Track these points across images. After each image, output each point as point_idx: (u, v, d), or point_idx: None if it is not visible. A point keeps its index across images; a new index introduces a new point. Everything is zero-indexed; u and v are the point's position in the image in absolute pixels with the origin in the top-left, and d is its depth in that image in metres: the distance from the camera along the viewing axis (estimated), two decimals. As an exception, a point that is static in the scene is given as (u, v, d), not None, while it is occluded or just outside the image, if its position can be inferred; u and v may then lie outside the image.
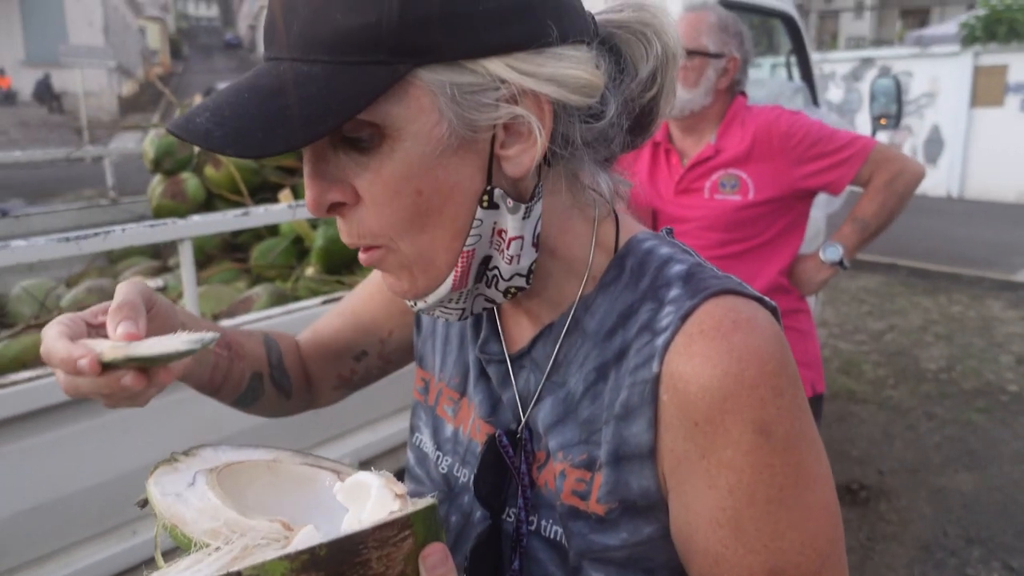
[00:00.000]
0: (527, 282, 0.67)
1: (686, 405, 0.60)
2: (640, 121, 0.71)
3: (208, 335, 0.60)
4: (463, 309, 0.68)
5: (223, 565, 0.50)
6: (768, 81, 3.64)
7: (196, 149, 2.90)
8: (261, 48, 0.56)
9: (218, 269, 2.51)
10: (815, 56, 3.79)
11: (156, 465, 0.64)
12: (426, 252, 0.62)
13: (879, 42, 29.17)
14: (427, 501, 0.53)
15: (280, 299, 1.98)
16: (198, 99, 2.99)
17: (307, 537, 0.52)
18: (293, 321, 1.77)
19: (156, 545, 0.58)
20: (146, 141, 2.83)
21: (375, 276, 0.93)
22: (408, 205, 0.59)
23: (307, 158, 0.61)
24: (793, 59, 3.49)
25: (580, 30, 0.63)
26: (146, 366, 0.59)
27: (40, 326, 1.74)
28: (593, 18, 0.66)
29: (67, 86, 22.19)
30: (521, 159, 0.61)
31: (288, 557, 0.46)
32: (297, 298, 2.11)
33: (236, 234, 2.83)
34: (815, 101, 3.37)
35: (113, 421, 1.47)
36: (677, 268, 0.67)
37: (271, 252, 2.52)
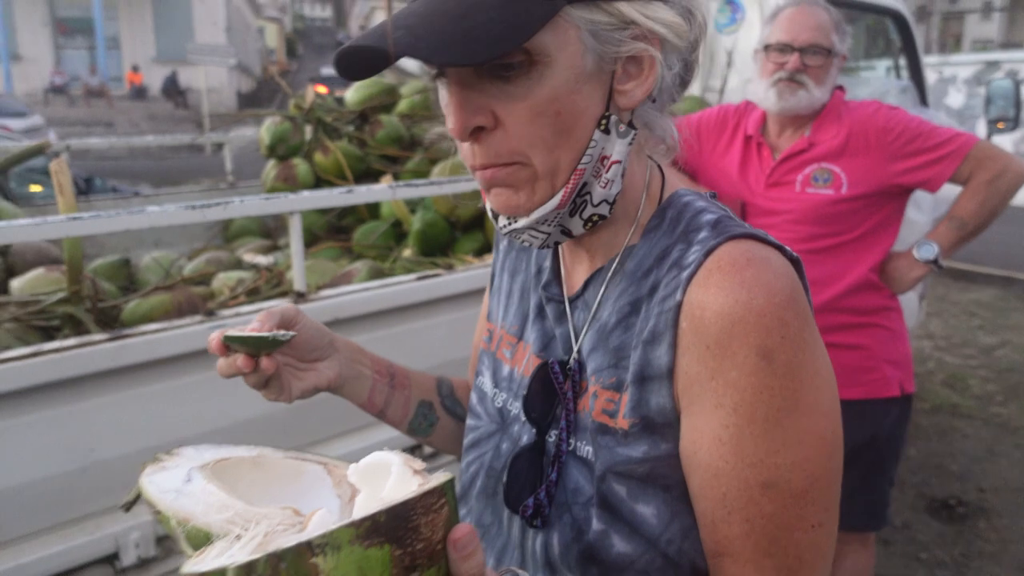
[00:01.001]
0: (609, 211, 0.77)
1: (700, 329, 0.68)
2: (683, 78, 0.81)
3: (283, 333, 0.78)
4: (548, 234, 0.77)
5: (258, 546, 0.52)
6: (873, 79, 3.54)
7: (307, 136, 3.08)
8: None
9: (323, 247, 2.67)
10: (934, 59, 3.66)
11: (143, 465, 0.68)
12: (553, 166, 0.72)
13: (1008, 45, 27.37)
14: (447, 474, 0.57)
15: (378, 274, 2.11)
16: (312, 90, 3.17)
17: (323, 519, 0.55)
18: (389, 294, 1.89)
19: (177, 538, 0.60)
20: (263, 128, 3.02)
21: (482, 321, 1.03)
22: (548, 124, 0.70)
23: (452, 88, 0.70)
24: (903, 59, 3.39)
25: None
26: (252, 353, 0.78)
27: (165, 288, 1.92)
28: None
29: (191, 82, 23.58)
30: (635, 92, 0.73)
31: (353, 524, 0.50)
32: (394, 275, 2.24)
33: (341, 217, 3.00)
34: (923, 101, 3.26)
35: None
36: (708, 216, 0.76)
37: (372, 234, 2.66)
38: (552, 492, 0.79)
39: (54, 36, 25.78)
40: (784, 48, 1.94)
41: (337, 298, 1.80)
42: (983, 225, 1.95)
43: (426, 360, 1.85)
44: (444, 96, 0.72)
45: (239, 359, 0.78)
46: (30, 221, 1.39)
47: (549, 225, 0.76)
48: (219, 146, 3.44)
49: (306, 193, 1.74)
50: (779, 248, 0.73)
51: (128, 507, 0.69)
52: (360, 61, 0.68)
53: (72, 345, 1.44)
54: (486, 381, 0.93)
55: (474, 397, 0.95)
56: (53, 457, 1.44)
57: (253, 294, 2.01)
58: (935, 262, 1.96)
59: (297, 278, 1.73)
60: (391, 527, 0.51)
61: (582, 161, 0.72)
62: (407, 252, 2.55)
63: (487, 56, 0.63)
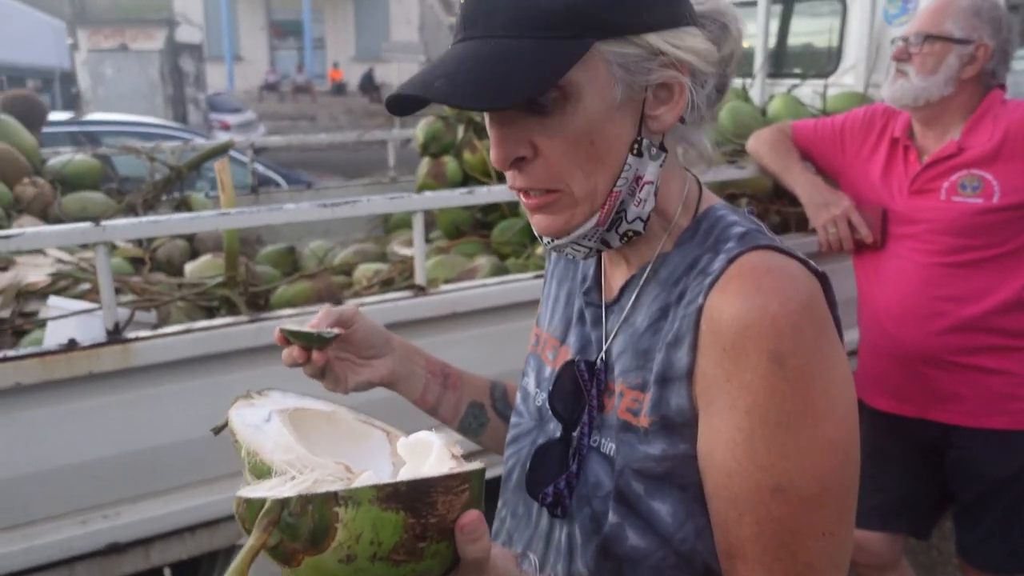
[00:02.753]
0: (643, 227, 0.81)
1: (718, 332, 0.71)
2: (719, 91, 0.84)
3: (329, 331, 0.89)
4: (589, 248, 0.82)
5: (305, 488, 0.59)
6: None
7: (459, 135, 3.23)
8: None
9: (464, 241, 2.81)
10: None
11: (235, 399, 0.77)
12: (591, 191, 0.77)
13: None
14: (479, 464, 0.63)
15: (500, 271, 2.19)
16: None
17: (366, 480, 0.62)
18: (507, 291, 1.96)
19: (244, 465, 0.68)
20: (418, 127, 3.21)
21: None
22: (583, 153, 0.75)
23: (494, 123, 0.76)
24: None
25: (694, 14, 0.79)
26: (305, 347, 0.89)
27: (309, 277, 2.11)
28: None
29: (386, 78, 25.06)
30: (665, 117, 0.77)
31: (376, 487, 0.58)
32: (526, 272, 2.31)
33: (486, 213, 3.12)
34: None
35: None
36: (738, 229, 0.79)
37: (509, 231, 2.75)
38: (573, 484, 0.83)
39: (270, 38, 28.36)
40: (906, 36, 1.84)
41: (455, 293, 1.91)
42: None
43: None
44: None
45: (294, 350, 0.90)
46: (185, 216, 1.60)
47: (589, 240, 0.81)
48: (407, 141, 3.65)
49: (428, 194, 1.85)
50: (803, 261, 0.75)
51: (217, 431, 0.79)
52: (409, 102, 0.75)
53: (218, 325, 1.64)
54: (530, 381, 0.99)
55: (519, 396, 1.01)
56: (199, 423, 1.66)
57: (387, 285, 2.16)
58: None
59: (418, 273, 1.85)
60: (409, 497, 0.58)
61: (617, 184, 0.77)
62: (540, 249, 2.62)
63: (518, 100, 0.70)
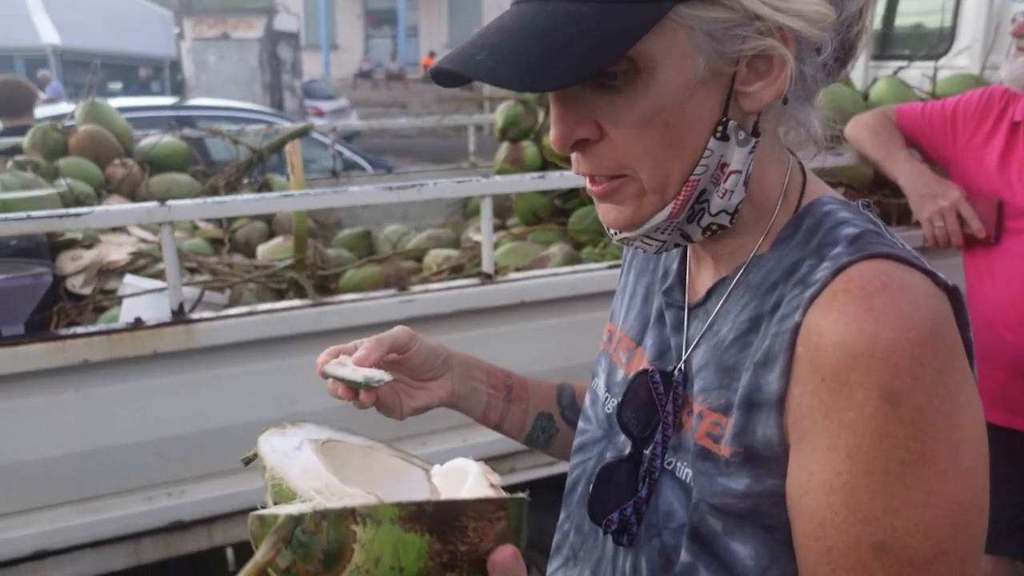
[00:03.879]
0: (730, 221, 0.70)
1: (817, 358, 0.60)
2: (842, 55, 0.70)
3: (378, 376, 0.75)
4: (664, 242, 0.71)
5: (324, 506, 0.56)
6: None
7: (539, 120, 3.15)
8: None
9: (540, 229, 2.73)
10: None
11: (266, 428, 0.73)
12: (663, 180, 0.66)
13: None
14: (520, 495, 0.57)
15: (572, 260, 2.10)
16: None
17: None
18: (577, 281, 1.88)
19: (267, 490, 0.64)
20: (497, 112, 3.14)
21: None
22: (656, 136, 0.64)
23: (554, 100, 0.66)
24: None
25: None
26: (353, 386, 0.78)
27: (378, 261, 2.08)
28: None
29: (477, 66, 25.18)
30: (761, 94, 0.64)
31: (399, 505, 0.53)
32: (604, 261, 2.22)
33: (565, 200, 3.03)
34: None
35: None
36: (849, 230, 0.66)
37: (587, 218, 2.66)
38: (641, 510, 0.74)
39: (365, 27, 28.94)
40: None
41: (524, 281, 1.83)
42: None
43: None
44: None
45: (339, 389, 0.80)
46: (248, 197, 1.59)
47: (663, 233, 0.70)
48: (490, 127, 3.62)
49: (497, 178, 1.78)
50: (929, 273, 0.61)
51: (247, 462, 0.73)
52: (453, 75, 0.65)
53: (280, 308, 1.62)
54: (600, 384, 0.89)
55: (588, 399, 0.91)
56: (260, 405, 1.65)
57: (457, 271, 2.11)
58: None
59: (485, 260, 1.79)
60: (436, 519, 0.53)
61: (695, 172, 0.66)
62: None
63: (569, 81, 0.59)
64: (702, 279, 0.78)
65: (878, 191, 2.32)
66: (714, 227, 0.70)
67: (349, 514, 0.52)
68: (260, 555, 0.52)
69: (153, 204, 1.49)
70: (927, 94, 2.63)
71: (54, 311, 1.89)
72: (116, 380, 1.53)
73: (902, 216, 2.25)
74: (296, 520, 0.53)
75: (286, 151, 1.87)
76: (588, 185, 0.69)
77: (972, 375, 0.61)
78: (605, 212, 0.70)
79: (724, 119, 0.64)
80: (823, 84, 0.70)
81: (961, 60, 2.89)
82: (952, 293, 0.62)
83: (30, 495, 1.54)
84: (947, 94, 2.37)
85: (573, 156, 0.68)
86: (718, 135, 0.65)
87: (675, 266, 0.82)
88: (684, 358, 0.75)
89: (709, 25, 0.60)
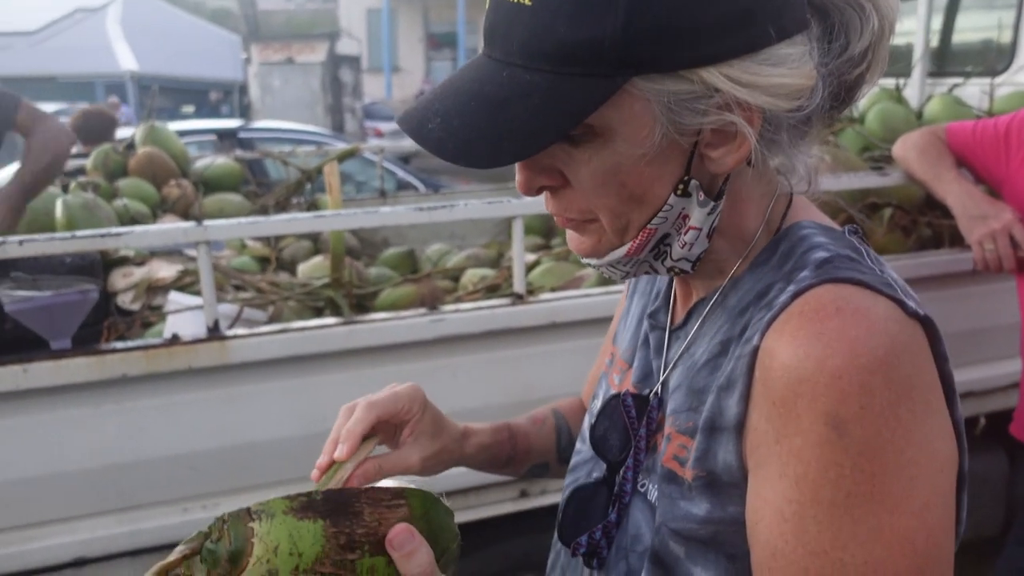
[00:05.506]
0: (692, 268, 0.70)
1: (768, 382, 0.59)
2: (841, 96, 0.68)
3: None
4: (628, 272, 0.72)
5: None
6: None
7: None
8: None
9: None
10: None
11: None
12: (623, 226, 0.66)
13: None
14: (423, 490, 0.61)
15: (607, 281, 2.08)
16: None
17: None
18: (610, 302, 1.86)
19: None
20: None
21: (607, 341, 0.99)
22: (613, 192, 0.64)
23: None
24: None
25: (799, 21, 0.61)
26: None
27: (415, 280, 2.11)
28: None
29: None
30: (725, 160, 0.63)
31: (289, 497, 0.56)
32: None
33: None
34: None
35: (439, 366, 1.74)
36: (819, 254, 0.64)
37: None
38: (611, 533, 0.74)
39: (426, 49, 29.48)
40: None
41: (556, 302, 1.83)
42: None
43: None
44: None
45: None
46: (284, 217, 1.62)
47: (626, 266, 0.70)
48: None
49: (528, 199, 1.78)
50: (899, 302, 0.59)
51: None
52: None
53: (312, 326, 1.65)
54: (597, 405, 0.89)
55: (586, 421, 0.91)
56: (293, 422, 1.67)
57: (492, 291, 2.11)
58: None
59: (517, 280, 1.79)
60: (328, 507, 0.57)
61: (653, 222, 0.65)
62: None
63: (517, 159, 0.59)
64: (684, 302, 0.78)
65: (929, 212, 2.24)
66: (676, 269, 0.70)
67: (245, 513, 0.56)
68: (164, 561, 0.56)
69: (190, 224, 1.54)
70: (983, 112, 2.53)
71: (105, 326, 1.97)
72: (153, 394, 1.58)
73: (955, 238, 2.16)
74: (205, 534, 0.57)
75: (324, 172, 1.91)
76: (556, 218, 0.70)
77: (943, 409, 0.58)
78: (571, 238, 0.71)
79: (686, 178, 0.63)
80: (822, 122, 0.68)
81: (1023, 77, 2.78)
82: (925, 324, 0.59)
83: (71, 504, 1.60)
84: (1005, 112, 2.28)
85: (544, 195, 0.69)
86: (679, 192, 0.64)
87: (663, 289, 0.82)
88: (661, 380, 0.75)
89: (667, 97, 0.58)
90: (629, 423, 0.75)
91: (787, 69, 0.59)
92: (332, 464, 0.72)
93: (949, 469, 0.57)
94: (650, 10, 0.55)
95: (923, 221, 2.22)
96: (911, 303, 0.59)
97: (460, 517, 1.97)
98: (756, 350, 0.61)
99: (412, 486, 0.63)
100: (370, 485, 0.61)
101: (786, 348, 0.58)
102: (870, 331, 0.56)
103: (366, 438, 0.75)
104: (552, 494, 1.89)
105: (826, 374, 0.55)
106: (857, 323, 0.56)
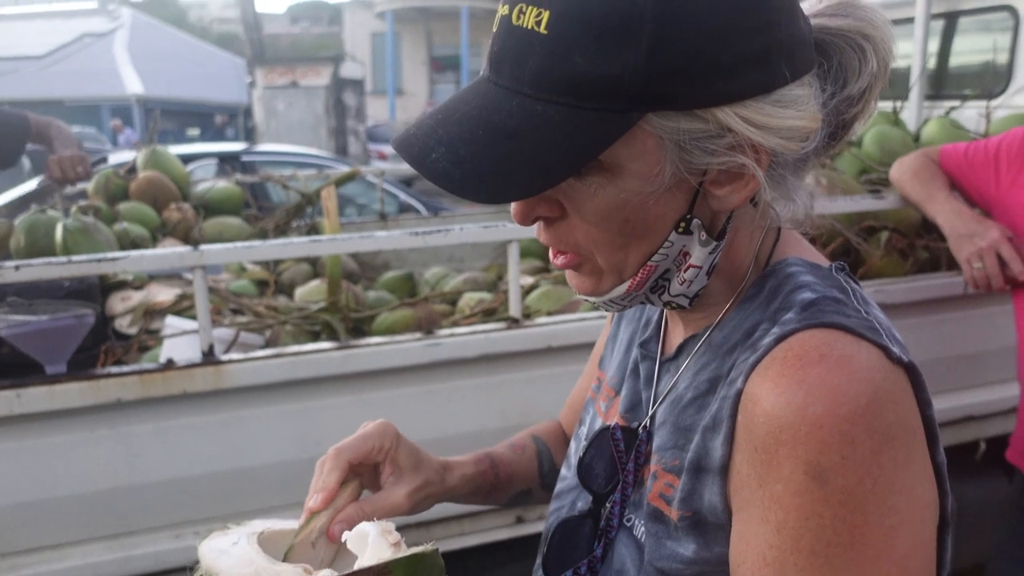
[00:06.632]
0: (689, 304, 0.70)
1: (750, 427, 0.59)
2: (837, 134, 0.69)
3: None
4: (625, 306, 0.72)
5: None
6: None
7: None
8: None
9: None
10: None
11: (210, 532, 0.73)
12: (620, 263, 0.66)
13: None
14: (416, 549, 0.59)
15: (603, 305, 2.09)
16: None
17: None
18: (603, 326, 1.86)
19: None
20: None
21: (591, 365, 0.99)
22: (615, 228, 0.63)
23: None
24: None
25: (808, 60, 0.62)
26: None
27: (411, 304, 2.10)
28: (809, 25, 0.64)
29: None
30: (730, 198, 0.63)
31: None
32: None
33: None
34: None
35: (435, 390, 1.73)
36: (806, 295, 0.64)
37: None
38: (596, 568, 0.73)
39: (430, 73, 29.71)
40: None
41: (551, 326, 1.82)
42: None
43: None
44: None
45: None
46: (280, 242, 1.63)
47: (626, 300, 0.70)
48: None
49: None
50: (883, 348, 0.58)
51: (192, 573, 0.74)
52: None
53: (306, 351, 1.65)
54: (583, 432, 0.89)
55: (572, 446, 0.91)
56: (288, 446, 1.67)
57: (489, 314, 2.11)
58: None
59: (512, 304, 1.79)
60: None
61: (653, 259, 0.65)
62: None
63: (527, 195, 0.57)
64: (675, 334, 0.77)
65: (926, 235, 2.24)
66: (673, 304, 0.70)
67: None
68: None
69: (186, 248, 1.55)
70: (980, 134, 2.54)
71: (101, 350, 1.97)
72: (147, 419, 1.58)
73: (952, 262, 2.16)
74: None
75: (321, 196, 1.92)
76: (551, 254, 0.69)
77: (924, 456, 0.58)
78: (570, 277, 0.71)
79: (689, 216, 0.63)
80: (817, 157, 0.69)
81: (1020, 99, 2.79)
82: (910, 370, 0.59)
83: (63, 530, 1.59)
84: (999, 132, 2.29)
85: (536, 225, 0.68)
86: (680, 230, 0.64)
87: (655, 317, 0.82)
88: (650, 414, 0.75)
89: (679, 136, 0.58)
90: (617, 456, 0.75)
91: (796, 111, 0.59)
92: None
93: (931, 515, 0.57)
94: (674, 46, 0.54)
95: (920, 244, 2.21)
96: (896, 349, 0.59)
97: (455, 544, 1.95)
98: (740, 393, 0.61)
99: (400, 549, 0.61)
100: (359, 567, 0.58)
101: (768, 394, 0.57)
102: (852, 379, 0.56)
103: (345, 483, 0.75)
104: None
105: (807, 423, 0.55)
106: (840, 371, 0.56)
